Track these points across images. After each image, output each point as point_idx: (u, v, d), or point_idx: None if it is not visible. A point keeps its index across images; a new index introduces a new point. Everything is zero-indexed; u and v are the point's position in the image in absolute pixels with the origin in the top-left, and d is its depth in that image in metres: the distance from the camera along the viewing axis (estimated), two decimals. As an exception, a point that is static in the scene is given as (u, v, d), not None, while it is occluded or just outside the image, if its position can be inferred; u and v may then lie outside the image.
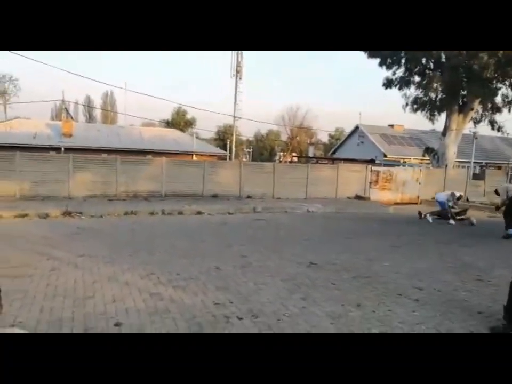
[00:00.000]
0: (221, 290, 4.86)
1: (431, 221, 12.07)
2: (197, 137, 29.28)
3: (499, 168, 28.48)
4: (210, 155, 25.31)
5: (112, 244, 7.45)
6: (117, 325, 3.73)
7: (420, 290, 5.09)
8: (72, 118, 34.57)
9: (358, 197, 18.74)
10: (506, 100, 20.06)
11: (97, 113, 56.31)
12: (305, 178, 17.74)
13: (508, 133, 22.62)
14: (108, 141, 22.69)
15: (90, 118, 53.87)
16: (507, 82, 19.35)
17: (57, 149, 19.69)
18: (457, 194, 12.40)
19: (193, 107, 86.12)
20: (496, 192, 11.09)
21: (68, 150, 19.73)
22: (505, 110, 20.43)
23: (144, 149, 22.03)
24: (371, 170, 19.26)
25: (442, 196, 12.54)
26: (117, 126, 32.39)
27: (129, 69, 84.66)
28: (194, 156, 24.26)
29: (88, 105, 52.22)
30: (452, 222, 11.86)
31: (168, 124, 50.19)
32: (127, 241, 7.75)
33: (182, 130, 41.59)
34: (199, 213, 12.24)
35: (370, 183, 19.03)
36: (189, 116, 53.99)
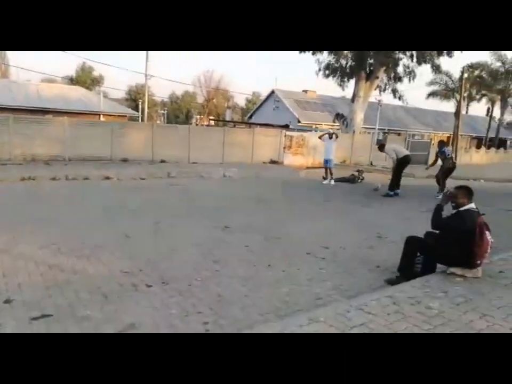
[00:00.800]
0: (130, 258, 4.62)
1: (333, 183, 12.92)
2: (105, 97, 27.16)
3: (399, 134, 31.06)
4: (119, 116, 23.71)
5: (4, 212, 6.66)
6: (6, 301, 3.34)
7: (326, 249, 5.37)
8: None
9: (272, 162, 19.14)
10: (406, 70, 21.63)
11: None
12: (221, 142, 17.53)
13: (407, 102, 24.57)
14: (-3, 97, 19.96)
15: (-26, 70, 46.72)
16: (408, 53, 20.78)
17: None
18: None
19: (100, 62, 78.98)
20: (380, 149, 11.29)
21: None
22: (405, 80, 22.08)
23: (43, 107, 19.83)
24: (285, 136, 19.67)
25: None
26: (9, 80, 28.59)
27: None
28: (101, 116, 22.54)
29: (-28, 55, 45.05)
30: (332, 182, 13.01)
31: (72, 81, 45.80)
32: (23, 209, 6.99)
33: (88, 88, 38.29)
34: (108, 178, 11.48)
35: (284, 148, 19.47)
36: (96, 73, 49.82)
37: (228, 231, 6.11)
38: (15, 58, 41.12)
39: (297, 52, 21.79)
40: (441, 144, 11.33)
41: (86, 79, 48.44)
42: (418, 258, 4.23)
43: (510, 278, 3.91)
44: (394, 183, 10.78)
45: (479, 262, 3.79)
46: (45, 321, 3.06)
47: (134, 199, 8.69)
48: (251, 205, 8.54)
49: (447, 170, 11.05)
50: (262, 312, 3.38)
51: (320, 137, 14.08)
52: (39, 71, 60.98)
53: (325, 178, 13.29)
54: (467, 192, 4.00)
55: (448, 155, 10.95)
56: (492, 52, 36.15)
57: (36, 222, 6.10)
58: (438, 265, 4.13)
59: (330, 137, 13.43)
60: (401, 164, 10.78)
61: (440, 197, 9.70)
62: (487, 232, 3.81)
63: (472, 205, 3.96)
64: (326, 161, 13.33)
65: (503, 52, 36.09)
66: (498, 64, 37.28)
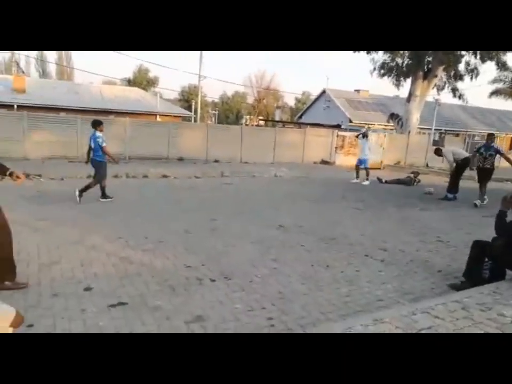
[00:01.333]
0: (191, 253, 4.84)
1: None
2: (160, 97, 28.23)
3: (457, 135, 29.56)
4: (174, 116, 24.57)
5: (74, 207, 7.18)
6: (87, 289, 3.64)
7: (384, 251, 5.29)
8: (23, 72, 32.22)
9: (323, 162, 18.99)
10: (468, 67, 20.54)
11: (52, 68, 52.69)
12: (272, 142, 17.67)
13: (467, 101, 23.33)
14: (66, 99, 21.40)
15: (43, 74, 50.27)
16: (470, 50, 19.72)
17: (8, 106, 18.40)
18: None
19: (156, 64, 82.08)
20: (437, 153, 10.69)
21: (21, 107, 18.50)
22: (467, 78, 20.97)
23: (105, 108, 21.01)
24: (337, 136, 19.44)
25: None
26: (75, 83, 30.56)
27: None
28: (158, 116, 23.48)
29: (42, 59, 48.64)
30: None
31: (130, 83, 48.00)
32: (90, 204, 7.50)
33: (144, 89, 39.95)
34: (165, 176, 11.98)
35: (336, 148, 19.25)
36: (151, 75, 51.86)
37: (282, 230, 6.19)
38: (78, 61, 43.89)
39: (351, 51, 21.43)
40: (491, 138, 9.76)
41: (142, 81, 50.54)
42: (486, 264, 4.06)
43: None
44: (453, 186, 10.31)
45: None
46: (122, 308, 3.30)
47: (190, 196, 9.02)
48: (304, 205, 8.56)
49: (457, 167, 10.15)
50: (323, 311, 3.42)
51: (357, 137, 13.93)
52: (100, 73, 64.40)
53: (357, 178, 13.11)
54: None
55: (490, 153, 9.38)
56: None
57: (101, 217, 6.53)
58: (508, 272, 3.95)
59: (363, 136, 13.29)
60: (461, 166, 10.29)
61: (478, 203, 8.93)
62: None
63: None
64: (361, 161, 13.18)
65: None
66: None
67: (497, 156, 9.45)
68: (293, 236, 5.84)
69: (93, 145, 7.85)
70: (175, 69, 74.56)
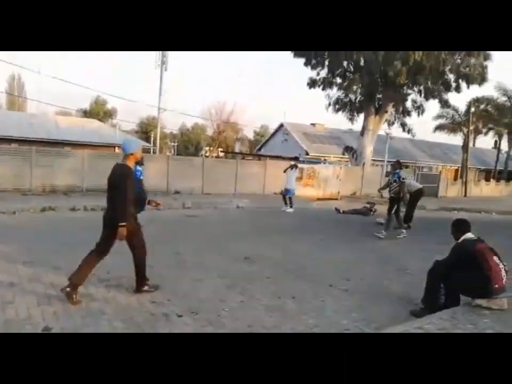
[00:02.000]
0: (156, 288, 4.73)
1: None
2: (118, 129, 27.91)
3: (407, 167, 31.27)
4: (134, 148, 24.27)
5: (30, 241, 6.84)
6: (45, 329, 3.46)
7: (347, 281, 5.44)
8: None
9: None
10: (415, 104, 22.10)
11: (1, 98, 50.76)
12: (234, 173, 17.86)
13: (415, 135, 24.92)
14: (19, 130, 20.64)
15: (-8, 104, 48.33)
16: (416, 89, 21.31)
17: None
18: None
19: (114, 95, 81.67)
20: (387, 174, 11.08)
21: (-32, 138, 17.64)
22: (414, 114, 22.52)
23: (61, 140, 20.45)
24: (296, 167, 19.93)
25: None
26: (29, 113, 29.62)
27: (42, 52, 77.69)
28: (116, 148, 23.11)
29: (-9, 89, 46.82)
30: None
31: (86, 114, 47.18)
32: (47, 238, 7.17)
33: (101, 121, 39.37)
34: (125, 208, 11.70)
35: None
36: (109, 106, 51.34)
37: (248, 262, 6.21)
38: (30, 91, 42.63)
39: (307, 87, 22.46)
40: (396, 166, 9.86)
41: (99, 112, 49.88)
42: (441, 290, 4.29)
43: (535, 311, 3.95)
44: (408, 216, 10.80)
45: (497, 285, 3.86)
46: (85, 349, 3.16)
47: (152, 230, 8.85)
48: (268, 236, 8.65)
49: (411, 198, 9.89)
50: (292, 342, 3.45)
51: (285, 171, 14.18)
52: (55, 104, 62.84)
53: (286, 205, 13.63)
54: (456, 227, 4.37)
55: (403, 178, 9.45)
56: (497, 87, 36.87)
57: (58, 253, 6.27)
58: (462, 298, 4.19)
59: (292, 168, 14.06)
60: (415, 197, 10.83)
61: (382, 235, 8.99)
62: (494, 257, 3.97)
63: (467, 235, 4.24)
64: (287, 191, 13.75)
65: (508, 87, 36.71)
66: (504, 98, 37.89)
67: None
68: (259, 268, 5.88)
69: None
70: (135, 101, 74.47)
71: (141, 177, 7.60)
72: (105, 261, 5.77)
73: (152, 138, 37.87)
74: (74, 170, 14.40)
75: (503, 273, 3.96)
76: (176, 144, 54.60)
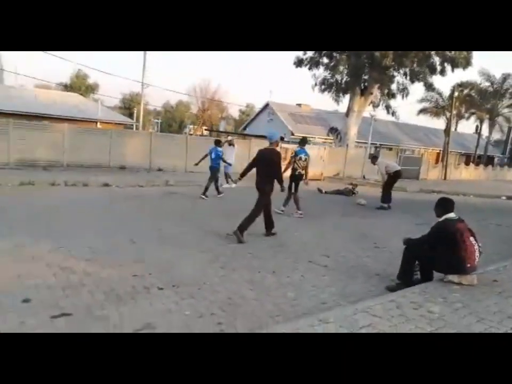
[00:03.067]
0: (138, 262, 4.75)
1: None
2: (101, 104, 27.21)
3: (390, 149, 31.63)
4: (116, 124, 23.82)
5: (8, 217, 6.74)
6: (25, 301, 3.46)
7: (327, 258, 5.56)
8: None
9: (268, 172, 19.39)
10: (400, 87, 22.18)
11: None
12: (218, 152, 17.71)
13: (399, 118, 25.10)
14: (-5, 102, 19.94)
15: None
16: (401, 71, 21.35)
17: None
18: None
19: (97, 69, 79.19)
20: (373, 162, 11.33)
21: None
22: (399, 97, 22.62)
23: (41, 113, 19.84)
24: (280, 147, 19.94)
25: None
26: (6, 85, 28.57)
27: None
28: (98, 123, 22.62)
29: (-33, 59, 44.77)
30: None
31: (67, 88, 45.77)
32: (27, 214, 7.08)
33: (82, 95, 38.30)
34: (106, 184, 11.58)
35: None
36: (90, 80, 49.88)
37: (230, 238, 6.26)
38: (8, 63, 40.87)
39: (294, 66, 22.27)
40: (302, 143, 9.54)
41: (80, 86, 48.42)
42: (416, 267, 4.43)
43: (503, 286, 4.14)
44: (386, 196, 11.05)
45: (469, 265, 4.02)
46: (65, 319, 3.18)
47: (134, 206, 8.82)
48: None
49: (389, 178, 10.91)
50: (272, 315, 3.54)
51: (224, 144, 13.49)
52: (33, 76, 60.70)
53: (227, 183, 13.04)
54: (441, 206, 4.44)
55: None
56: (481, 72, 37.25)
57: (39, 227, 6.20)
58: (436, 274, 4.34)
59: (230, 145, 14.00)
60: (393, 178, 11.07)
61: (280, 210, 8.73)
62: (471, 238, 4.10)
63: (450, 215, 4.31)
64: (225, 167, 12.76)
65: (491, 72, 37.17)
66: (487, 84, 38.39)
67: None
68: (241, 244, 5.94)
69: (213, 156, 10.84)
70: (119, 76, 72.53)
71: (221, 155, 11.12)
72: (85, 236, 5.78)
73: (135, 115, 37.13)
74: (55, 144, 14.06)
75: (477, 253, 4.10)
76: (159, 121, 53.70)
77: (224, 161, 11.51)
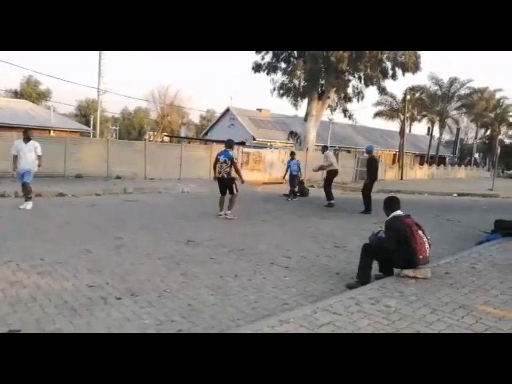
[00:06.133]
0: (94, 273, 4.58)
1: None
2: (54, 111, 26.16)
3: (349, 152, 32.47)
4: (71, 131, 23.00)
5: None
6: (-32, 319, 3.23)
7: (288, 259, 5.60)
8: None
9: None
10: (356, 91, 22.88)
11: None
12: (179, 158, 17.50)
13: (356, 121, 25.85)
14: None
15: None
16: (356, 75, 22.05)
17: None
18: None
19: (49, 75, 76.10)
20: (323, 151, 12.49)
21: None
22: (355, 100, 23.32)
23: (-13, 121, 18.83)
24: (242, 152, 20.01)
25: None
26: None
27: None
28: (52, 131, 21.74)
29: None
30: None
31: (17, 95, 43.72)
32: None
33: (34, 102, 36.73)
34: (61, 194, 11.12)
35: (241, 164, 19.77)
36: (42, 87, 47.93)
37: (191, 244, 6.18)
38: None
39: (252, 71, 22.44)
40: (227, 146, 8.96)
41: (31, 93, 46.41)
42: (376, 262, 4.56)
43: (454, 278, 4.34)
44: (329, 194, 11.70)
45: (421, 256, 4.21)
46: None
47: (90, 215, 8.52)
48: (211, 219, 8.64)
49: (329, 175, 12.04)
50: (233, 318, 3.51)
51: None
52: (-20, 83, 57.45)
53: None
54: (387, 205, 4.66)
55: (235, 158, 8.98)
56: (430, 76, 39.18)
57: (-11, 239, 5.84)
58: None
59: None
60: (333, 175, 11.85)
61: None
62: (419, 231, 4.30)
63: (396, 212, 4.52)
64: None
65: (439, 77, 39.19)
66: (436, 87, 40.43)
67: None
68: (202, 250, 5.87)
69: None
70: (73, 82, 69.97)
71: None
72: (36, 248, 5.51)
73: (92, 122, 36.02)
74: (3, 154, 13.33)
75: (427, 245, 4.30)
76: (118, 128, 52.37)
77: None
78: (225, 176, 8.60)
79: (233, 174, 8.74)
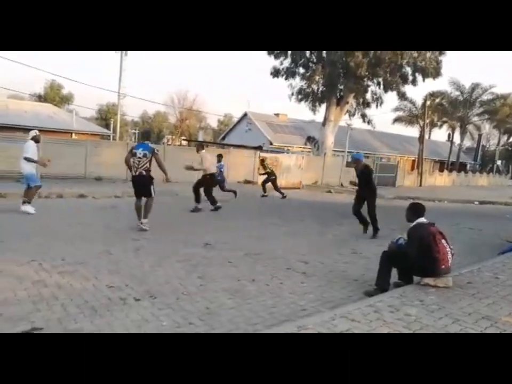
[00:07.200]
0: (114, 274, 4.65)
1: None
2: (76, 115, 26.77)
3: (367, 157, 32.16)
4: (92, 134, 23.47)
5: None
6: (-8, 316, 3.32)
7: (305, 264, 5.57)
8: None
9: (246, 181, 19.42)
10: (374, 96, 22.71)
11: None
12: (198, 162, 17.60)
13: (375, 127, 25.65)
14: (-37, 113, 19.36)
15: None
16: (375, 81, 21.88)
17: None
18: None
19: (71, 79, 77.89)
20: (198, 148, 10.31)
21: None
22: (373, 106, 23.14)
23: (12, 124, 19.37)
24: (259, 157, 20.04)
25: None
26: (-25, 96, 27.83)
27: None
28: (73, 134, 22.23)
29: None
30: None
31: (41, 99, 44.89)
32: (-3, 226, 6.83)
33: (57, 106, 37.64)
34: (82, 196, 11.34)
35: (258, 168, 19.80)
36: (65, 91, 49.07)
37: (209, 247, 6.21)
38: (-20, 73, 39.86)
39: (271, 76, 22.51)
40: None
41: (54, 97, 47.56)
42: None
43: (477, 288, 4.24)
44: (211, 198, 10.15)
45: (443, 266, 4.11)
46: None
47: (110, 217, 8.65)
48: (228, 222, 8.67)
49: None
50: (250, 323, 3.50)
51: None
52: (5, 87, 59.17)
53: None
54: (412, 210, 4.57)
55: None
56: (451, 82, 38.57)
57: (8, 240, 6.00)
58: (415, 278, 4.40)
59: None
60: (211, 181, 10.30)
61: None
62: (443, 240, 4.21)
63: (421, 219, 4.43)
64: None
65: (461, 82, 38.52)
66: (457, 93, 39.75)
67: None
68: (219, 253, 5.89)
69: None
70: (94, 86, 71.69)
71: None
72: (58, 248, 5.62)
73: (112, 125, 36.69)
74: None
75: (449, 255, 4.21)
76: (137, 131, 53.17)
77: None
78: (144, 173, 7.15)
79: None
